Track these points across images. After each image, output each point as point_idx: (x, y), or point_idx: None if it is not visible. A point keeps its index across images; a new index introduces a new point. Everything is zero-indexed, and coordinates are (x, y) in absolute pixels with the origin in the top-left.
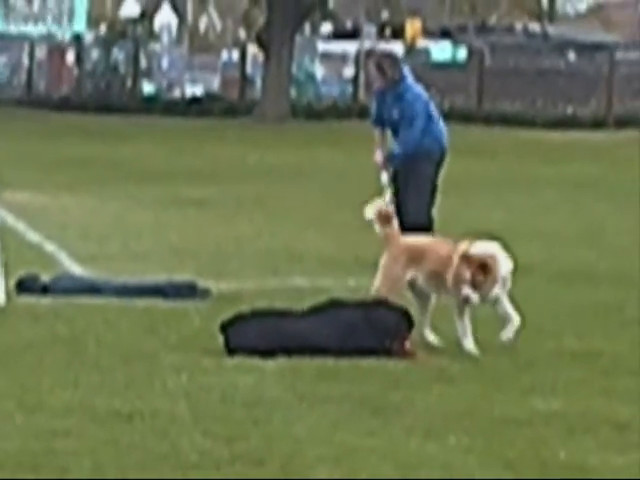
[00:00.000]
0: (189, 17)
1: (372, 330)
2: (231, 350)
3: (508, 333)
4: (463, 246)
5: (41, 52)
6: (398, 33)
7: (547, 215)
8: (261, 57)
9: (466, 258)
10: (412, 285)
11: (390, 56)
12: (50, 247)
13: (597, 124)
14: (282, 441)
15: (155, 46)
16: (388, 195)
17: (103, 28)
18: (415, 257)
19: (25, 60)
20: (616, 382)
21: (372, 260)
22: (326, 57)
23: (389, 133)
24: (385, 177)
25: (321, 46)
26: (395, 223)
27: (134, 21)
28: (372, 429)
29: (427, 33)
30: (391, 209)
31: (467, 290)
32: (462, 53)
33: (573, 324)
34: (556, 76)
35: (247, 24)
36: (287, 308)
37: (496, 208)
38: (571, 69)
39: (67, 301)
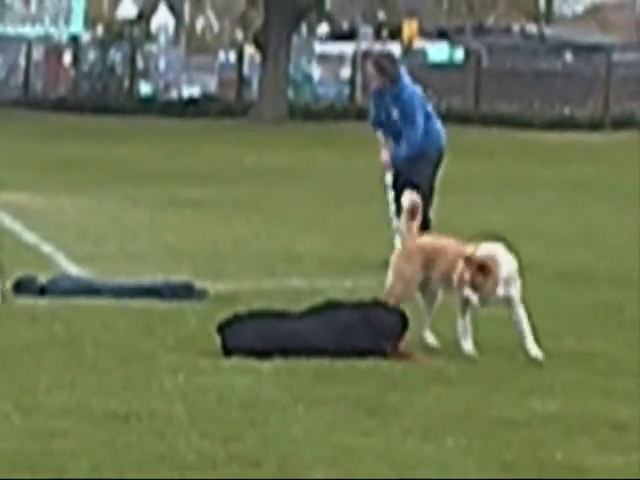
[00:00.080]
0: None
1: (369, 331)
2: (228, 351)
3: (532, 350)
4: (469, 247)
5: (38, 53)
6: (395, 34)
7: (545, 216)
8: (258, 58)
9: (467, 259)
10: (421, 285)
11: (388, 55)
12: (47, 248)
13: (594, 125)
14: (279, 442)
15: (152, 47)
16: (391, 195)
17: (100, 29)
18: (429, 258)
19: (22, 61)
20: (614, 383)
21: (370, 261)
22: (323, 58)
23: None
24: (390, 177)
25: (318, 47)
26: (417, 222)
27: (131, 22)
28: (369, 430)
29: (424, 34)
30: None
31: (467, 291)
32: (459, 54)
33: (571, 325)
34: (553, 77)
35: (244, 25)
36: (284, 309)
37: (494, 209)
38: (568, 70)
39: (64, 302)
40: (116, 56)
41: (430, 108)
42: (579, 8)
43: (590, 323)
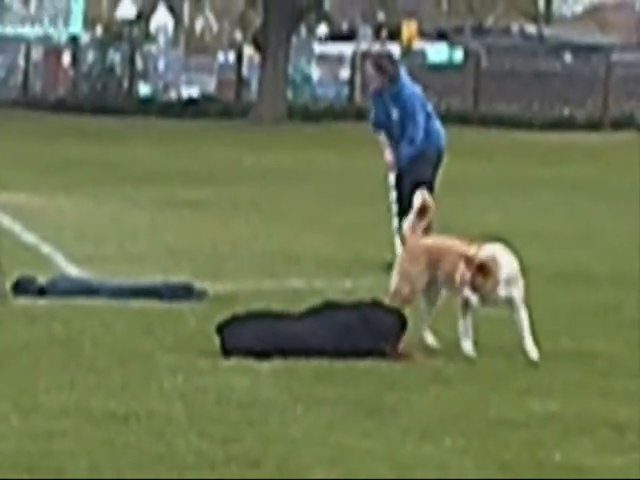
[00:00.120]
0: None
1: (368, 332)
2: (227, 351)
3: (531, 352)
4: (473, 248)
5: (37, 53)
6: (394, 35)
7: (544, 216)
8: (257, 59)
9: (467, 260)
10: (425, 285)
11: (388, 55)
12: (46, 248)
13: (593, 126)
14: (278, 442)
15: (151, 48)
16: (393, 196)
17: (99, 30)
18: (434, 258)
19: (21, 61)
20: (613, 383)
21: (369, 262)
22: (322, 59)
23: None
24: (392, 177)
25: (317, 48)
26: (425, 222)
27: (130, 23)
28: (368, 430)
29: (423, 35)
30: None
31: (467, 292)
32: (458, 55)
33: (570, 325)
34: (552, 78)
35: (243, 26)
36: (283, 309)
37: (493, 209)
38: (567, 71)
39: (63, 303)
40: (115, 57)
41: (430, 108)
42: (578, 8)
43: (589, 323)
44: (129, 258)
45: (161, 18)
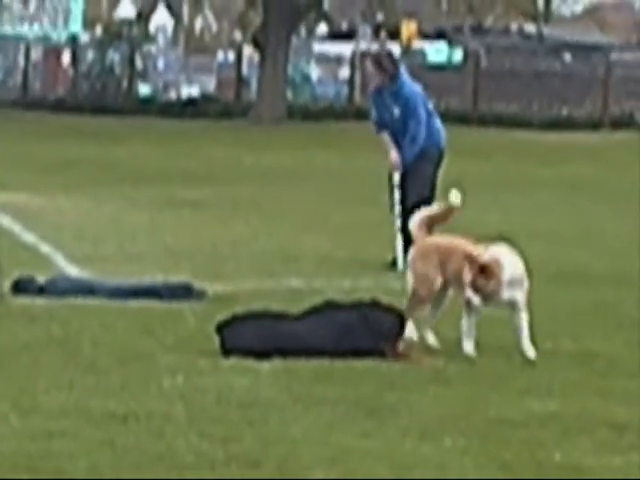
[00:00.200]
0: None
1: (368, 331)
2: (227, 351)
3: (528, 352)
4: (481, 248)
5: (37, 53)
6: (394, 34)
7: (544, 216)
8: (257, 58)
9: (470, 260)
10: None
11: (388, 54)
12: (46, 248)
13: (593, 125)
14: (278, 442)
15: (151, 47)
16: (397, 195)
17: (99, 29)
18: (444, 257)
19: (21, 61)
20: (613, 383)
21: (369, 261)
22: (322, 58)
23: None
24: (397, 177)
25: (317, 47)
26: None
27: (130, 22)
28: (367, 430)
29: (423, 34)
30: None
31: (468, 292)
32: (458, 54)
33: (570, 325)
34: (552, 77)
35: (243, 25)
36: (283, 309)
37: (492, 209)
38: (567, 70)
39: (63, 302)
40: (115, 56)
41: (431, 107)
42: (578, 8)
43: (588, 323)
44: (128, 258)
45: (161, 18)
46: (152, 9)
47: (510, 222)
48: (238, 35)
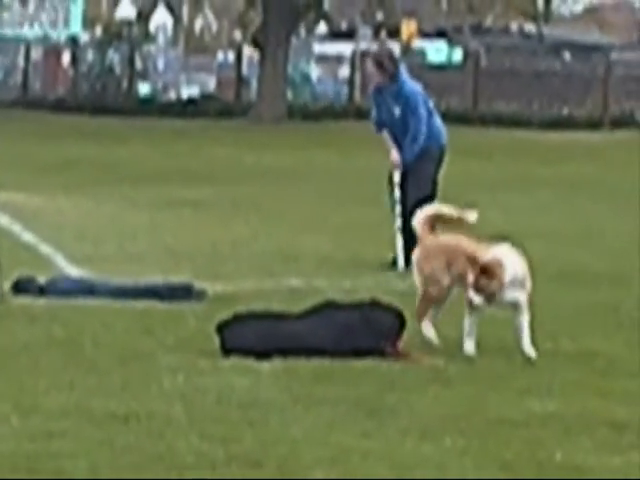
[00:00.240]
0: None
1: (368, 331)
2: (227, 351)
3: (528, 351)
4: (486, 248)
5: (37, 53)
6: (394, 34)
7: (543, 215)
8: (257, 58)
9: (471, 260)
10: None
11: (389, 53)
12: (46, 248)
13: (593, 125)
14: (278, 443)
15: (151, 47)
16: (397, 194)
17: (99, 30)
18: (450, 256)
19: (21, 61)
20: (613, 383)
21: (368, 261)
22: (322, 58)
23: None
24: (398, 176)
25: (317, 47)
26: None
27: (129, 22)
28: (368, 430)
29: (423, 34)
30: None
31: (470, 293)
32: (458, 54)
33: (570, 325)
34: (552, 77)
35: (243, 25)
36: (283, 309)
37: (492, 208)
38: (567, 70)
39: (63, 303)
40: (115, 56)
41: (431, 105)
42: (578, 8)
43: (588, 323)
44: (129, 258)
45: (160, 18)
46: (152, 9)
47: (510, 221)
48: (238, 35)
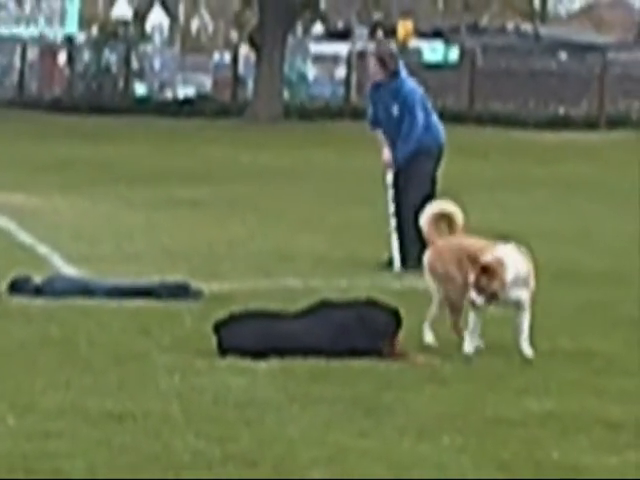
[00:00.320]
0: (181, 18)
1: (364, 331)
2: (224, 351)
3: (526, 350)
4: (487, 248)
5: (33, 53)
6: (390, 33)
7: (540, 215)
8: (253, 58)
9: (473, 261)
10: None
11: (390, 50)
12: (42, 248)
13: (589, 124)
14: (275, 442)
15: (147, 47)
16: (390, 194)
17: (95, 29)
18: (459, 257)
19: (17, 61)
20: (610, 382)
21: (365, 261)
22: (318, 58)
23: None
24: (390, 176)
25: (313, 47)
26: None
27: (126, 22)
28: (365, 430)
29: (419, 33)
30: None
31: (472, 293)
32: (454, 53)
33: (567, 324)
34: (548, 76)
35: (239, 25)
36: (280, 309)
37: (488, 208)
38: (563, 69)
39: (60, 302)
40: (111, 56)
41: (429, 105)
42: (574, 7)
43: (586, 322)
44: (125, 258)
45: (157, 18)
46: (148, 9)
47: (507, 221)
48: (234, 35)
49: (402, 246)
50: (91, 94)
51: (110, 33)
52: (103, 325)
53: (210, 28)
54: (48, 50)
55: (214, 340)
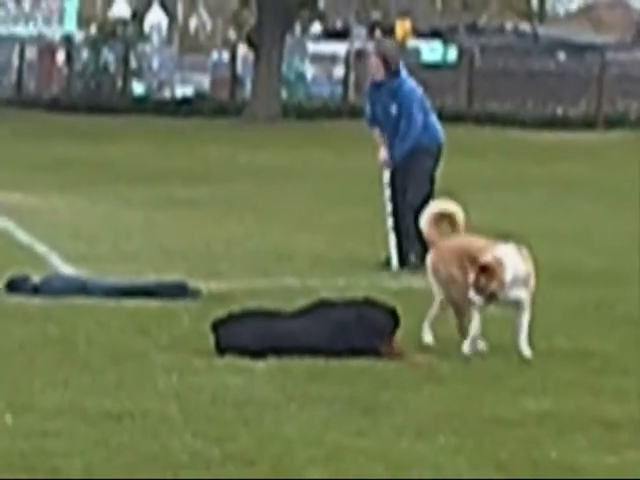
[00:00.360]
0: (179, 17)
1: (362, 330)
2: (222, 350)
3: (524, 350)
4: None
5: (31, 52)
6: (388, 33)
7: (537, 215)
8: (251, 57)
9: (472, 261)
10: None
11: (393, 48)
12: (40, 247)
13: (587, 124)
14: (273, 441)
15: (145, 46)
16: (387, 194)
17: (93, 28)
18: (461, 257)
19: (15, 60)
20: (607, 382)
21: (363, 260)
22: (316, 57)
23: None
24: (387, 175)
25: (311, 46)
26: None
27: (124, 21)
28: (362, 429)
29: (417, 33)
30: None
31: (470, 293)
32: (452, 53)
33: (564, 323)
34: (546, 76)
35: (237, 24)
36: (278, 308)
37: (486, 208)
38: (561, 69)
39: (58, 301)
40: (109, 55)
41: (428, 104)
42: (572, 7)
43: (583, 321)
44: (123, 257)
45: (155, 17)
46: (146, 8)
47: (504, 220)
48: (232, 34)
49: (400, 246)
50: (89, 93)
51: (108, 32)
52: (101, 324)
53: (208, 27)
54: (46, 49)
55: (212, 339)
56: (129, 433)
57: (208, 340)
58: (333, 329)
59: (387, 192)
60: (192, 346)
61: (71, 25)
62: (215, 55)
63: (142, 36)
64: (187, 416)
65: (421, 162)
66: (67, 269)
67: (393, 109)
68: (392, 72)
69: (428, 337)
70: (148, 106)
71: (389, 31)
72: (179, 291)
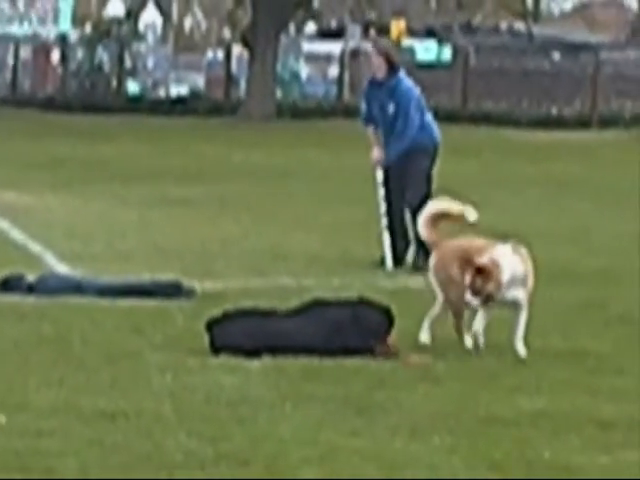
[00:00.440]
0: (174, 17)
1: (357, 329)
2: (216, 349)
3: (520, 350)
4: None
5: (26, 51)
6: (383, 33)
7: (532, 214)
8: (246, 57)
9: (468, 262)
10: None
11: (393, 46)
12: (35, 246)
13: (582, 124)
14: (267, 441)
15: (140, 45)
16: (381, 193)
17: (88, 27)
18: (463, 258)
19: (10, 59)
20: (602, 381)
21: (358, 260)
22: (311, 57)
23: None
24: (380, 174)
25: (306, 46)
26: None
27: (119, 20)
28: (357, 429)
29: (412, 33)
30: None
31: (467, 295)
32: (447, 53)
33: (558, 322)
34: (541, 76)
35: (232, 23)
36: (272, 307)
37: (481, 207)
38: (556, 69)
39: (52, 301)
40: (104, 55)
41: (424, 103)
42: (567, 6)
43: (577, 321)
44: (118, 256)
45: (150, 16)
46: (141, 7)
47: (499, 220)
48: (227, 33)
49: (394, 245)
50: (84, 92)
51: (103, 31)
52: (96, 323)
53: (203, 27)
54: (41, 48)
55: (206, 339)
56: (123, 432)
57: (202, 339)
58: (328, 329)
59: (381, 191)
60: (186, 345)
61: (66, 24)
62: (210, 54)
63: (137, 35)
64: (181, 415)
65: (418, 162)
66: (62, 268)
67: (390, 108)
68: (394, 69)
69: (425, 336)
70: (143, 105)
71: (384, 30)
72: (174, 290)
